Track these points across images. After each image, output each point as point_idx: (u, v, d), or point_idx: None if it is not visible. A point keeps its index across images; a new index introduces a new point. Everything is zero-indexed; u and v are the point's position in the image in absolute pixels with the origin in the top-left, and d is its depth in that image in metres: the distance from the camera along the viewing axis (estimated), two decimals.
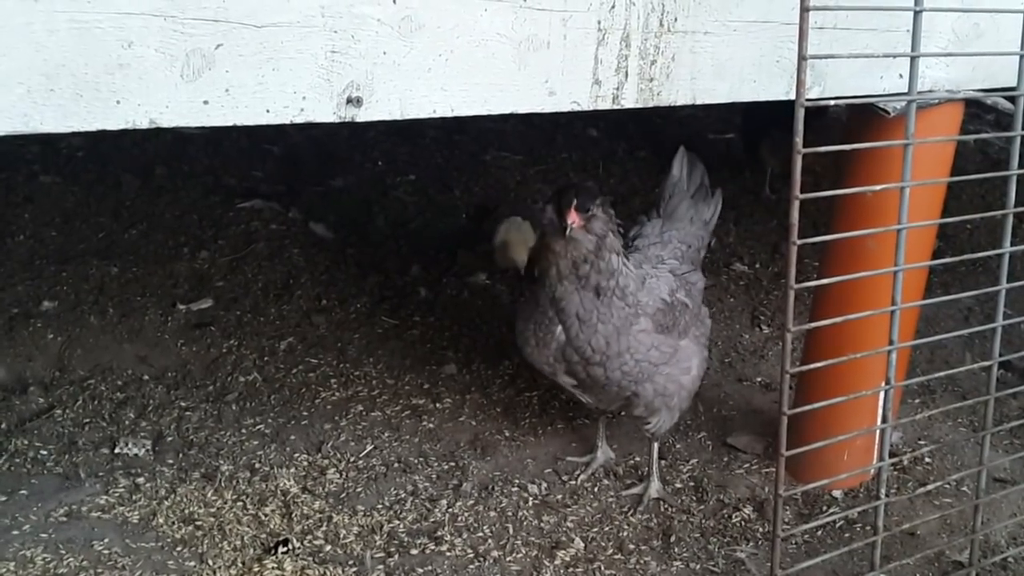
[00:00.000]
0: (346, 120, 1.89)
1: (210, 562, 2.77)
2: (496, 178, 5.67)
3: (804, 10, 1.88)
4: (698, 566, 2.89)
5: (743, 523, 3.07)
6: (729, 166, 5.89)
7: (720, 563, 2.90)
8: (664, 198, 3.27)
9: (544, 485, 3.22)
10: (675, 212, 3.25)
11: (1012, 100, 2.40)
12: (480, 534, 2.97)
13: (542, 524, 3.04)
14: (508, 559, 2.87)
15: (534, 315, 2.90)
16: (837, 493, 3.21)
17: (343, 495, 3.12)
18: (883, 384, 2.37)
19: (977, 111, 6.43)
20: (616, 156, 5.95)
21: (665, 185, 3.29)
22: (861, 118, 2.74)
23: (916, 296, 2.96)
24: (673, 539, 2.98)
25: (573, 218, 2.67)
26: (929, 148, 2.70)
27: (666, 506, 3.14)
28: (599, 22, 2.12)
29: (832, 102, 2.19)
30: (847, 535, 3.01)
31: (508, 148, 6.04)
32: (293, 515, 2.99)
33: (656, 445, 3.19)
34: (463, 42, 1.97)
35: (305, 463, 3.26)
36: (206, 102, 1.73)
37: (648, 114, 6.34)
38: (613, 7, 2.13)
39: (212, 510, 2.99)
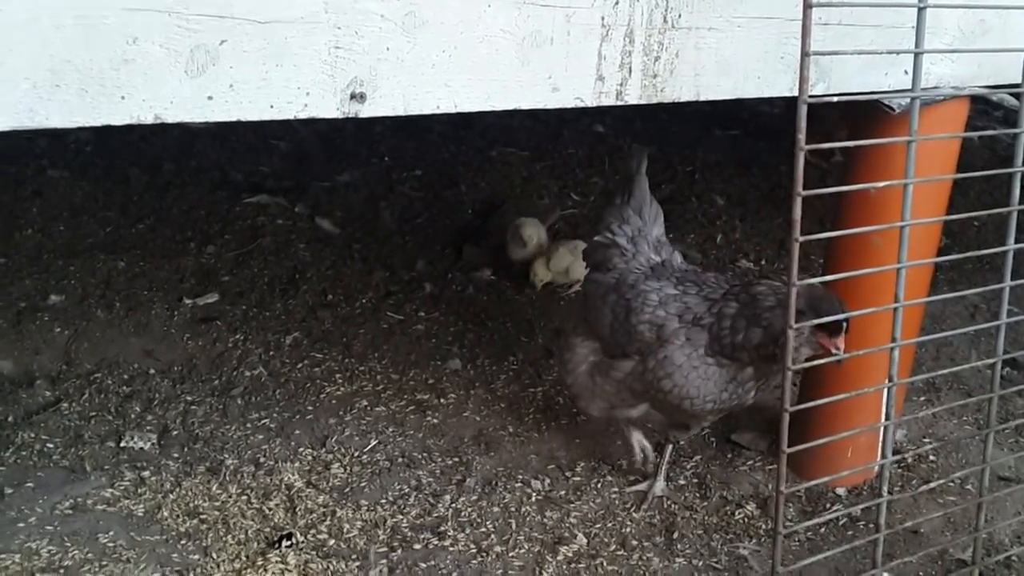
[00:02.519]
0: (350, 116, 1.89)
1: (214, 555, 2.78)
2: (502, 174, 5.67)
3: (808, 6, 1.88)
4: (700, 562, 2.89)
5: (746, 520, 3.07)
6: (735, 162, 5.89)
7: (723, 559, 2.90)
8: (646, 203, 3.08)
9: (547, 481, 3.23)
10: (658, 217, 3.10)
11: (1017, 96, 2.39)
12: (483, 529, 2.98)
13: (545, 520, 3.04)
14: (511, 554, 2.88)
15: (710, 373, 2.74)
16: (840, 490, 3.21)
17: (347, 489, 3.13)
18: (886, 381, 2.37)
19: (986, 107, 6.40)
20: (622, 152, 5.93)
21: (643, 189, 3.09)
22: (866, 114, 2.73)
23: (921, 293, 2.95)
24: (676, 535, 2.99)
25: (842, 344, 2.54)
26: (934, 145, 2.69)
27: (669, 502, 3.14)
28: (603, 18, 2.12)
29: (836, 99, 2.18)
30: (850, 532, 3.02)
31: (514, 144, 6.04)
32: (297, 509, 3.00)
33: (671, 447, 3.19)
34: (466, 38, 1.97)
35: (309, 457, 3.27)
36: (210, 98, 1.74)
37: (654, 110, 6.33)
38: (617, 3, 2.12)
39: (217, 504, 3.00)
